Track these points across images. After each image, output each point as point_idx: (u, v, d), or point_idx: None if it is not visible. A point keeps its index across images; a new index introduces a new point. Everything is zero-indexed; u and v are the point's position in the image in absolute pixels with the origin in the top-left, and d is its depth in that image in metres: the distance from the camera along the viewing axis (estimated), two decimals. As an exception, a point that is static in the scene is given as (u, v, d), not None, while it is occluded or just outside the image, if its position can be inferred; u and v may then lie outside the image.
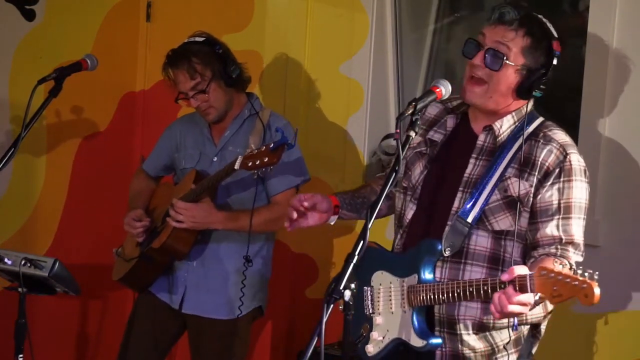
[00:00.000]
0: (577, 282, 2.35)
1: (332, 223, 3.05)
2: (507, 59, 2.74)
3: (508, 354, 2.81)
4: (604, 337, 3.53)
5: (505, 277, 2.51)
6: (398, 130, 2.58)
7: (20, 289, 3.25)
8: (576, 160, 2.76)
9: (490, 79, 2.76)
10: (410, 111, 2.63)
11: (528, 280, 2.46)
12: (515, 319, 2.71)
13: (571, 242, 2.73)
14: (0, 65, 4.39)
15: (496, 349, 2.81)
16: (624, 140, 3.50)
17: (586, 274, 2.35)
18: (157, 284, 3.82)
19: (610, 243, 3.42)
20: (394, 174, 2.57)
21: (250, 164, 3.39)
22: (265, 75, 4.47)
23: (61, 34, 4.52)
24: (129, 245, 3.88)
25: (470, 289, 2.61)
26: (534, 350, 2.90)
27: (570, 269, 2.40)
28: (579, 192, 2.76)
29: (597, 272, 2.36)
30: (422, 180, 2.91)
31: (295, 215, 3.00)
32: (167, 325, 3.84)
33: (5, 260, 3.24)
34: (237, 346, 3.76)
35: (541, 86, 2.77)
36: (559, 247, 2.72)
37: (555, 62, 2.76)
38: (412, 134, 2.63)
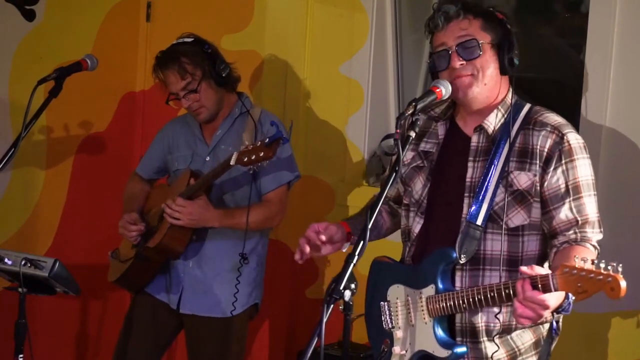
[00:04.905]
0: (601, 277, 2.32)
1: (344, 250, 2.96)
2: (479, 42, 2.75)
3: (529, 357, 2.81)
4: (604, 337, 3.53)
5: (524, 268, 2.49)
6: (398, 130, 2.58)
7: (20, 289, 3.26)
8: (574, 138, 2.75)
9: (476, 69, 2.76)
10: (410, 111, 2.62)
11: (551, 279, 2.44)
12: (571, 303, 2.64)
13: (587, 222, 2.73)
14: (0, 65, 4.38)
15: (517, 353, 2.81)
16: (624, 139, 3.50)
17: (609, 267, 2.32)
18: (155, 284, 3.83)
19: (610, 243, 3.42)
20: (394, 174, 2.56)
21: (245, 159, 3.40)
22: (265, 75, 4.47)
23: (61, 34, 4.51)
24: (125, 247, 3.89)
25: (492, 294, 2.60)
26: (552, 349, 2.89)
27: (593, 263, 2.36)
28: (584, 169, 2.75)
29: (620, 264, 2.33)
30: (426, 194, 2.89)
31: (307, 249, 2.90)
32: (166, 325, 3.85)
33: (5, 260, 3.24)
34: (234, 344, 3.77)
35: (515, 52, 2.78)
36: (577, 230, 2.72)
37: (509, 26, 2.79)
38: (412, 134, 2.63)
